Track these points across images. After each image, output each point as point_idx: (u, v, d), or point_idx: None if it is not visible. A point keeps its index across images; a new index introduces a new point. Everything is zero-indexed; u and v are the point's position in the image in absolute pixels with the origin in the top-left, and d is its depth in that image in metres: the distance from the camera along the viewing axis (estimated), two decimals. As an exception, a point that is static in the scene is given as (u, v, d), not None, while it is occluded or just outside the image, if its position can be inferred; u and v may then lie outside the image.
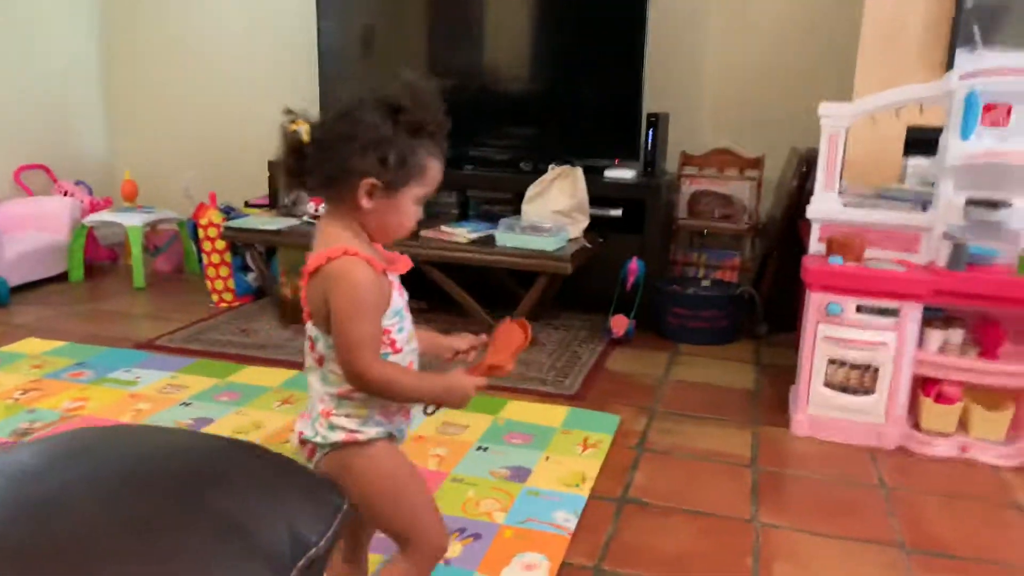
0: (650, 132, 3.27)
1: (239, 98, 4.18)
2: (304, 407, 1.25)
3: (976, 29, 2.61)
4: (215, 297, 3.47)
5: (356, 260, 1.12)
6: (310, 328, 1.19)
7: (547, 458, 2.11)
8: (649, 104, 3.29)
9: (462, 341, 1.32)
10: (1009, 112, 2.13)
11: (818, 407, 2.27)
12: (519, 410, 2.41)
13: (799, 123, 2.94)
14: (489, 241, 2.98)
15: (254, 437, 2.19)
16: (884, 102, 2.25)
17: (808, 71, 3.30)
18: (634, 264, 3.05)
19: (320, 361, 1.19)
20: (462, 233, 3.02)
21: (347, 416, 1.18)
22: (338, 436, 1.18)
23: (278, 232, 3.13)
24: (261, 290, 3.51)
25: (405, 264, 1.23)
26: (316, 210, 3.16)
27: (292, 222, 3.19)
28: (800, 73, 3.33)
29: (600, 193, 3.16)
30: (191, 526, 0.91)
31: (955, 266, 2.14)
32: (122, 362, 2.73)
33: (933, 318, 2.20)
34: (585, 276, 3.02)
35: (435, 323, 3.26)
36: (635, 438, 2.26)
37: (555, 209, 3.05)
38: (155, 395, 2.46)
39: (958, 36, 2.66)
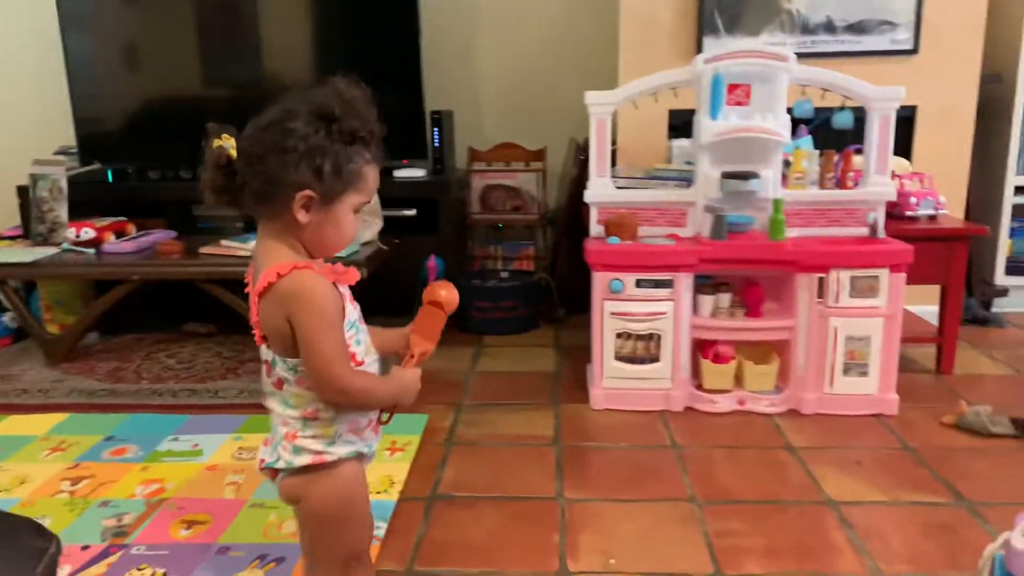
0: (435, 130, 3.28)
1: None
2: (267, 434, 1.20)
3: (718, 17, 2.86)
4: (-35, 344, 3.06)
5: (310, 273, 1.08)
6: (265, 352, 1.14)
7: (353, 468, 2.04)
8: (433, 103, 3.29)
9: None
10: (749, 92, 2.33)
11: (611, 380, 2.38)
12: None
13: (575, 114, 3.07)
14: (278, 252, 2.84)
15: (18, 494, 1.94)
16: (642, 88, 2.40)
17: (577, 63, 3.45)
18: (432, 262, 3.05)
19: (279, 384, 1.14)
20: (247, 247, 2.85)
21: (313, 437, 1.14)
22: (304, 459, 1.14)
23: (35, 264, 2.79)
24: (21, 330, 3.14)
25: (352, 275, 1.17)
26: (77, 236, 2.85)
27: (51, 251, 2.86)
28: (569, 66, 3.47)
29: (392, 194, 3.09)
30: None
31: (717, 235, 2.33)
32: None
33: (704, 285, 2.38)
34: (384, 279, 2.95)
35: (227, 346, 3.09)
36: (443, 434, 2.25)
37: (345, 214, 2.97)
38: None
39: (704, 24, 2.90)
